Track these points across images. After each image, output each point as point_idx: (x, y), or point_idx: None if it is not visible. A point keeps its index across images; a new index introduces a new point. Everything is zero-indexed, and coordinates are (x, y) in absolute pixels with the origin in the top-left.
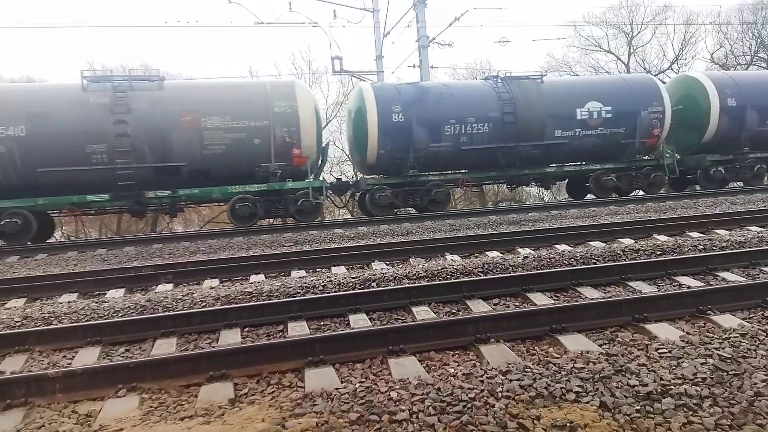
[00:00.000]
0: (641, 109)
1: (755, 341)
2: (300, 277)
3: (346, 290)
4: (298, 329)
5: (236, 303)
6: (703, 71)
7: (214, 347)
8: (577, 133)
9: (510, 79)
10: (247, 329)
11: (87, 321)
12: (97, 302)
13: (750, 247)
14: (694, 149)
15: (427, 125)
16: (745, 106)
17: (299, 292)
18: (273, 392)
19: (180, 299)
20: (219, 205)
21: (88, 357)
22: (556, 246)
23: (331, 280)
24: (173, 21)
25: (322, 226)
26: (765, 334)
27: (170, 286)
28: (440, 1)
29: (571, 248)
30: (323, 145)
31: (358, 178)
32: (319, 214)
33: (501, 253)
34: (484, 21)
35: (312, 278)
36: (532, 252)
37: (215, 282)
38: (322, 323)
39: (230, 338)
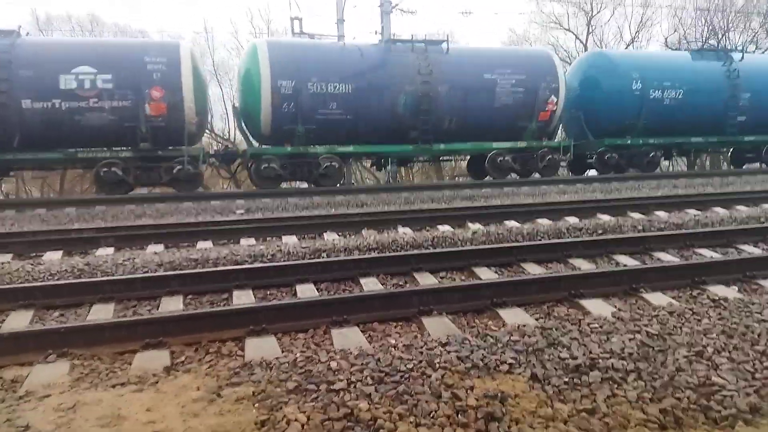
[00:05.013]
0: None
1: (681, 319)
2: (249, 246)
3: (295, 260)
4: (243, 298)
5: (180, 269)
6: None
7: (152, 314)
8: None
9: None
10: (189, 297)
11: (20, 283)
12: (32, 264)
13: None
14: None
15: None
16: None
17: (247, 261)
18: (211, 361)
19: (120, 264)
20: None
21: (19, 321)
22: (506, 222)
23: (280, 250)
24: None
25: (276, 195)
26: (691, 312)
27: (111, 250)
28: None
29: (520, 225)
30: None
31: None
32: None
33: (452, 227)
34: None
35: (261, 247)
36: (482, 227)
37: (159, 247)
38: (268, 293)
39: (171, 305)
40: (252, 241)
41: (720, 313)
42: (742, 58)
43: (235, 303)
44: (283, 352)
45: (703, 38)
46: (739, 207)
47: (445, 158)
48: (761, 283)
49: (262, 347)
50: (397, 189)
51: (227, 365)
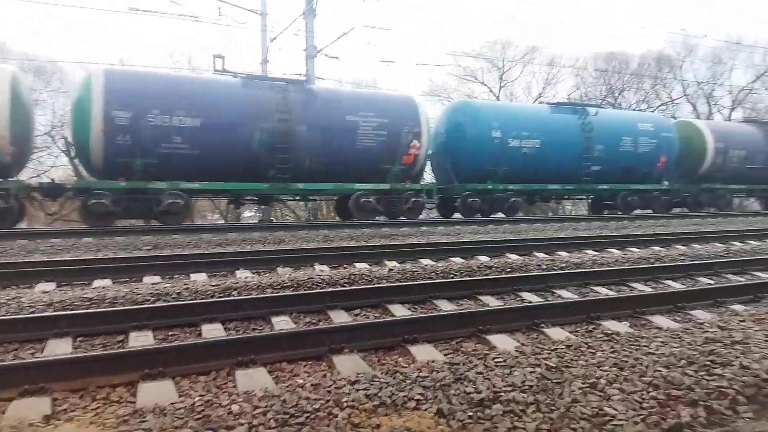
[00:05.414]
0: None
1: (578, 352)
2: (153, 284)
3: (202, 298)
4: (142, 339)
5: (71, 309)
6: None
7: (34, 357)
8: None
9: None
10: (80, 339)
11: None
12: None
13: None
14: None
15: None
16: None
17: (148, 300)
18: (97, 408)
19: (4, 304)
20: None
21: None
22: (421, 260)
23: (188, 288)
24: None
25: (187, 231)
26: (586, 346)
27: None
28: (330, 13)
29: (434, 263)
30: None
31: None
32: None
33: (369, 265)
34: (371, 40)
35: (167, 285)
36: (398, 265)
37: (50, 286)
38: (170, 333)
39: (59, 348)
40: (156, 278)
41: (612, 347)
42: (597, 113)
43: (131, 345)
44: (180, 396)
45: (602, 96)
46: (631, 249)
47: (311, 198)
48: (649, 319)
49: (156, 392)
50: (316, 226)
51: (116, 412)
